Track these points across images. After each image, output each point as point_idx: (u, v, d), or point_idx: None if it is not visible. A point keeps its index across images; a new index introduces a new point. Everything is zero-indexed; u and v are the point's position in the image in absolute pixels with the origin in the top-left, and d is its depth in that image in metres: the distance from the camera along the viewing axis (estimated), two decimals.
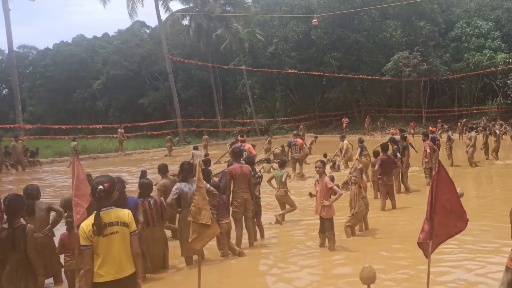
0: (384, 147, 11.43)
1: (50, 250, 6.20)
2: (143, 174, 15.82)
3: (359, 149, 14.97)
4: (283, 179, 9.51)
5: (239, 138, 19.06)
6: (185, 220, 6.48)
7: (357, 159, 14.65)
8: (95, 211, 3.90)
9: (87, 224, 3.87)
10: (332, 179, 12.75)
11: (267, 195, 11.48)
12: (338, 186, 8.77)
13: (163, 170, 8.82)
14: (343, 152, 17.58)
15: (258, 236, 8.54)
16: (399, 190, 12.39)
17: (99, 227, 3.80)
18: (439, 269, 6.44)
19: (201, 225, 5.85)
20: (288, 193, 9.70)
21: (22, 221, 5.44)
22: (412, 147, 14.87)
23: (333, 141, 27.62)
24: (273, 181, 9.68)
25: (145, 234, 6.54)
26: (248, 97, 45.63)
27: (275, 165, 15.22)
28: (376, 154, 12.02)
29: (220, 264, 7.23)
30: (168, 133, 32.13)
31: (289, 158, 16.87)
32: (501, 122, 30.73)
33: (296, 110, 45.58)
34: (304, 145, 17.79)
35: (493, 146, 18.61)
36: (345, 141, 17.87)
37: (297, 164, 16.41)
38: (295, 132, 24.37)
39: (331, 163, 17.31)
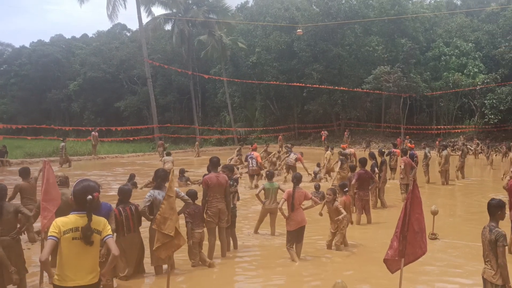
0: (362, 162, 11.42)
1: (17, 254, 5.99)
2: (132, 177, 15.64)
3: (339, 162, 15.04)
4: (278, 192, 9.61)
5: (251, 147, 19.94)
6: None
7: (338, 171, 14.51)
8: (76, 212, 3.95)
9: (64, 221, 3.88)
10: (318, 187, 12.94)
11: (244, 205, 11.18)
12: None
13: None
14: (325, 162, 18.02)
15: (232, 247, 8.46)
16: (376, 205, 12.52)
17: (87, 237, 3.85)
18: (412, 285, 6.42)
19: (164, 234, 5.78)
20: None
21: None
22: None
23: (312, 153, 27.59)
24: (261, 194, 9.45)
25: (125, 239, 6.62)
26: (228, 105, 45.27)
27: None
28: (353, 168, 12.06)
29: (189, 274, 7.14)
30: (160, 138, 31.97)
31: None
32: (477, 141, 31.04)
33: (276, 120, 45.46)
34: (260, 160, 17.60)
35: (457, 163, 19.12)
36: (328, 152, 18.41)
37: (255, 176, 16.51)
38: (289, 144, 23.95)
39: (313, 174, 17.41)
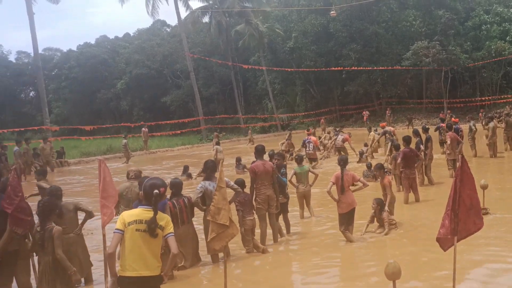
0: (407, 140, 11.31)
1: (83, 248, 6.37)
2: (186, 169, 16.38)
3: (389, 144, 15.19)
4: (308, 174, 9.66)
5: (306, 131, 19.82)
6: None
7: (388, 155, 14.67)
8: (143, 206, 4.12)
9: (130, 214, 4.12)
10: (369, 165, 13.03)
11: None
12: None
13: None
14: (370, 143, 18.20)
15: (285, 231, 8.58)
16: (423, 182, 12.27)
17: (152, 230, 3.99)
18: (464, 264, 6.32)
19: (219, 225, 5.89)
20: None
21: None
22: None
23: (355, 134, 27.69)
24: (294, 179, 9.51)
25: (180, 231, 6.64)
26: (269, 92, 45.85)
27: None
28: (397, 147, 11.97)
29: (245, 260, 7.30)
30: (215, 129, 32.36)
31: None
32: None
33: (316, 104, 45.58)
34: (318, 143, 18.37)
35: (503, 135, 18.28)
36: (372, 133, 18.70)
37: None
38: (338, 128, 24.38)
39: (359, 154, 17.69)
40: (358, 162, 17.13)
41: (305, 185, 9.53)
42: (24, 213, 5.53)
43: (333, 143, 18.97)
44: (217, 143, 20.07)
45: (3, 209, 5.49)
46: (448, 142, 13.19)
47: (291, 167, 10.22)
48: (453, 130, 14.00)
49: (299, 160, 9.87)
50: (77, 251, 6.16)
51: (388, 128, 18.04)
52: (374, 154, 18.25)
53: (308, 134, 18.13)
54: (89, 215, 6.37)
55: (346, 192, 7.71)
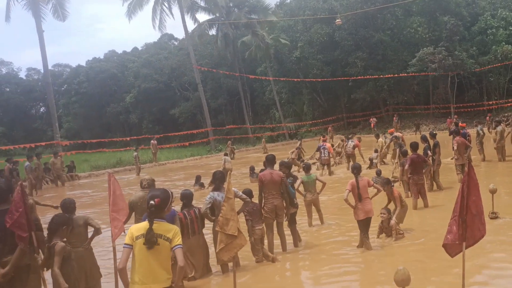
0: (414, 146, 11.26)
1: (91, 263, 6.31)
2: (198, 179, 16.49)
3: (398, 149, 15.19)
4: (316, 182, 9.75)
5: (321, 138, 20.39)
6: None
7: (396, 162, 14.52)
8: (148, 222, 4.05)
9: (138, 228, 4.11)
10: (379, 172, 13.01)
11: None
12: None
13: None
14: (379, 149, 18.40)
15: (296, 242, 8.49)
16: (432, 188, 12.25)
17: (149, 241, 3.96)
18: (473, 269, 6.27)
19: (228, 235, 5.92)
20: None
21: None
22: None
23: (363, 141, 27.72)
24: (301, 188, 9.54)
25: (191, 242, 6.75)
26: (276, 102, 46.08)
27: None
28: (405, 153, 11.96)
29: (255, 270, 7.28)
30: (223, 140, 32.61)
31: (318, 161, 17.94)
32: None
33: (324, 112, 45.76)
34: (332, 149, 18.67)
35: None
36: (380, 139, 18.98)
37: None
38: (350, 135, 24.84)
39: (369, 160, 17.83)
40: (368, 168, 17.18)
41: (313, 194, 9.60)
42: (21, 229, 5.56)
43: (343, 149, 19.18)
44: (226, 154, 20.15)
45: (5, 223, 5.44)
46: (455, 147, 13.06)
47: (301, 175, 10.24)
48: (460, 135, 13.87)
49: (307, 169, 9.94)
50: (85, 265, 6.17)
51: (396, 134, 18.10)
52: (383, 160, 18.41)
53: (323, 141, 18.63)
54: (97, 231, 6.32)
55: (364, 200, 7.68)
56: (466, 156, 13.06)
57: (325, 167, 17.25)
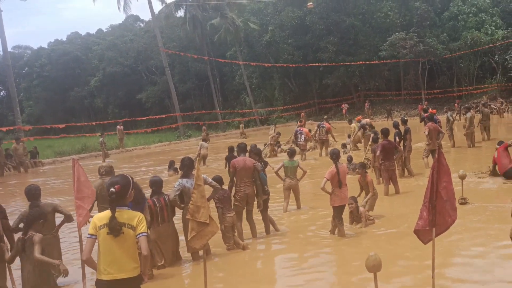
0: (385, 132, 11.27)
1: (58, 250, 6.36)
2: (172, 163, 16.04)
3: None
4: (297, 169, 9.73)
5: (299, 123, 20.58)
6: None
7: (368, 148, 14.55)
8: (110, 211, 3.96)
9: (100, 217, 3.99)
10: (350, 159, 13.01)
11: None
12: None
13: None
14: (352, 135, 18.56)
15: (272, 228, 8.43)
16: (403, 174, 12.32)
17: (113, 229, 3.88)
18: (445, 259, 6.29)
19: (199, 223, 5.82)
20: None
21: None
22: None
23: (335, 127, 27.76)
24: (281, 172, 9.66)
25: (160, 229, 6.74)
26: (246, 87, 45.58)
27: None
28: (375, 140, 12.03)
29: (226, 257, 7.26)
30: (204, 124, 32.56)
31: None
32: (501, 100, 30.61)
33: (295, 98, 45.55)
34: (309, 134, 18.79)
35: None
36: (353, 124, 19.37)
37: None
38: (325, 116, 26.57)
39: (342, 146, 17.92)
40: (343, 153, 17.07)
41: (292, 179, 9.64)
42: None
43: (316, 135, 19.05)
44: (204, 139, 20.16)
45: None
46: (426, 132, 13.23)
47: (281, 159, 10.15)
48: (433, 121, 13.99)
49: (291, 154, 10.01)
50: (53, 253, 6.10)
51: (364, 121, 18.07)
52: (357, 145, 18.38)
53: (300, 126, 18.75)
54: (68, 218, 6.33)
55: (343, 187, 7.63)
56: (439, 141, 13.22)
57: (302, 151, 17.23)
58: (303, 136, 17.27)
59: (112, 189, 3.93)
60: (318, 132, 18.39)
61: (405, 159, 12.54)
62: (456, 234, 7.10)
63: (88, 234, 3.97)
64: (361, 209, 8.17)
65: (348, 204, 7.98)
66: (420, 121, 18.14)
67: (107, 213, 3.96)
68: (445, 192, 4.66)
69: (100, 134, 26.08)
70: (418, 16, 36.53)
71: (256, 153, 8.76)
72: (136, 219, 3.99)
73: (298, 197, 9.88)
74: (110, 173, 7.34)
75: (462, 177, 8.94)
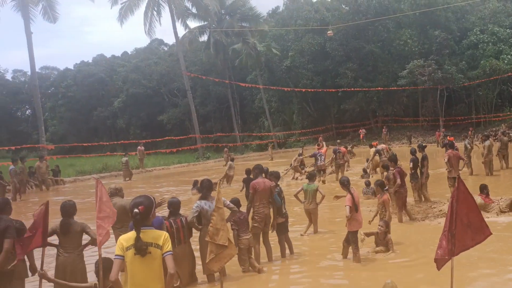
0: (393, 159, 11.38)
1: (81, 270, 6.31)
2: (195, 183, 16.19)
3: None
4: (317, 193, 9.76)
5: (317, 146, 21.39)
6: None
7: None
8: (135, 231, 3.98)
9: (126, 238, 4.00)
10: (368, 183, 13.05)
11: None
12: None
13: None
14: (370, 159, 18.68)
15: (288, 252, 8.43)
16: (420, 201, 12.27)
17: (140, 249, 3.90)
18: (460, 280, 6.15)
19: (218, 245, 5.86)
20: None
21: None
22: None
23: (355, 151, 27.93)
24: (301, 195, 9.73)
25: (177, 251, 6.52)
26: (265, 110, 45.98)
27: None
28: (386, 167, 11.93)
29: (241, 280, 7.22)
30: (226, 146, 33.16)
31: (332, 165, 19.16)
32: None
33: (313, 122, 45.72)
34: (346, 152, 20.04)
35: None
36: (372, 149, 19.28)
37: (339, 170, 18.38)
38: (338, 141, 28.43)
39: (363, 171, 18.37)
40: (361, 177, 17.52)
41: (310, 203, 9.62)
42: (27, 246, 5.71)
43: (333, 160, 19.35)
44: (232, 159, 20.49)
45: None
46: (446, 159, 13.08)
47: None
48: (453, 148, 13.92)
49: (310, 177, 10.12)
50: (75, 271, 6.12)
51: (380, 147, 18.19)
52: (377, 169, 18.36)
53: (319, 149, 19.23)
54: (93, 242, 6.24)
55: (359, 211, 7.71)
56: (461, 168, 13.23)
57: (322, 172, 17.63)
58: (323, 157, 17.82)
59: (136, 210, 3.94)
60: (336, 157, 18.60)
61: (422, 186, 12.42)
62: (474, 261, 7.08)
63: (116, 255, 3.94)
64: (388, 236, 8.09)
65: (378, 227, 8.05)
66: (442, 147, 18.14)
67: (132, 233, 3.98)
68: (467, 218, 4.63)
69: (124, 154, 26.56)
70: (437, 44, 36.77)
71: (276, 176, 8.68)
72: (162, 238, 4.02)
73: (316, 221, 9.89)
74: (116, 195, 7.35)
75: (480, 207, 8.70)
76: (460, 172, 13.03)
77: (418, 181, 12.10)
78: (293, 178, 19.76)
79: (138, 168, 30.05)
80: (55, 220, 6.48)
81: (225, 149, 30.73)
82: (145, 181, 24.54)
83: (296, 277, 7.43)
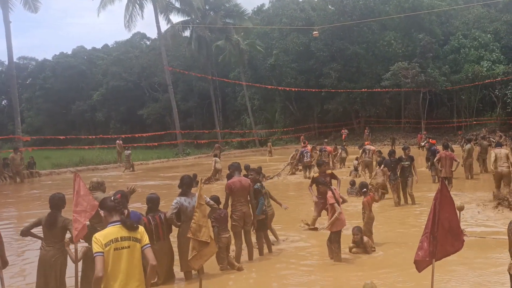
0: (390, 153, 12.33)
1: (62, 265, 6.14)
2: (194, 177, 16.00)
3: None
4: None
5: (302, 144, 21.99)
6: (185, 234, 6.44)
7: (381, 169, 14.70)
8: (113, 223, 4.06)
9: (104, 234, 3.99)
10: (352, 183, 13.10)
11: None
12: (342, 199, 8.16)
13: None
14: (360, 157, 18.93)
15: (266, 250, 8.35)
16: (400, 201, 12.31)
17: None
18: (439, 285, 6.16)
19: (200, 242, 5.82)
20: None
21: None
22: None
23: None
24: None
25: (155, 247, 6.44)
26: (248, 108, 45.71)
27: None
28: (380, 163, 12.62)
29: (219, 278, 7.16)
30: (217, 142, 32.53)
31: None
32: (500, 133, 30.70)
33: (296, 121, 45.67)
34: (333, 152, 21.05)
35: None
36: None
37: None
38: (326, 140, 29.97)
39: (353, 168, 18.80)
40: (349, 175, 17.97)
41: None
42: None
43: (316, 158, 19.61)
44: (215, 155, 20.94)
45: None
46: (436, 159, 13.66)
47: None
48: (430, 151, 15.12)
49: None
50: (56, 265, 5.98)
51: (368, 147, 18.16)
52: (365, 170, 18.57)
53: (304, 146, 20.10)
54: (72, 240, 6.11)
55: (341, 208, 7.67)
56: (454, 169, 13.69)
57: (307, 169, 18.59)
58: (308, 154, 18.79)
59: (115, 198, 4.13)
60: (322, 155, 18.96)
61: (408, 186, 12.46)
62: (449, 264, 6.95)
63: (96, 253, 3.91)
64: (365, 238, 7.99)
65: (353, 235, 7.88)
66: (418, 148, 18.30)
67: (110, 230, 4.00)
68: (448, 222, 4.64)
69: (127, 148, 27.77)
70: (421, 47, 37.04)
71: (257, 172, 8.74)
72: (140, 231, 4.10)
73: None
74: (98, 189, 7.11)
75: (460, 209, 8.74)
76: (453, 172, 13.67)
77: (397, 182, 12.24)
78: (291, 173, 20.44)
79: (116, 163, 29.58)
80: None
81: (216, 145, 30.82)
82: (124, 177, 24.04)
83: (275, 275, 7.36)
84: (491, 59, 35.38)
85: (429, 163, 19.30)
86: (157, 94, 55.27)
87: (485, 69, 34.54)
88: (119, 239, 3.97)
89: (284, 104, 46.60)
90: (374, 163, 16.86)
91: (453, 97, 37.80)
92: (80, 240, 5.98)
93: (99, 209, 4.29)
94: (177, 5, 41.67)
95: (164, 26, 41.49)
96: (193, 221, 5.84)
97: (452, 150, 15.87)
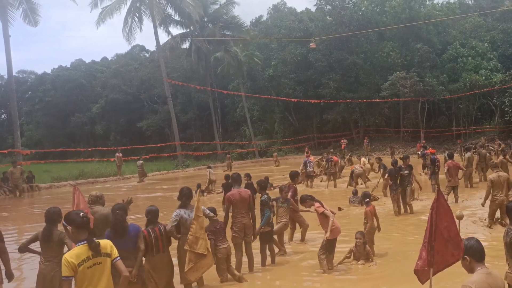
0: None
1: (61, 278, 6.10)
2: (198, 186, 16.10)
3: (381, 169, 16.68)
4: None
5: (306, 154, 22.87)
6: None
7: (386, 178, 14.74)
8: (81, 242, 4.01)
9: (74, 254, 3.94)
10: (355, 192, 13.20)
11: None
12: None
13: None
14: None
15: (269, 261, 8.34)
16: (400, 211, 12.40)
17: (96, 250, 3.99)
18: None
19: (197, 254, 5.82)
20: None
21: None
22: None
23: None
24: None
25: (155, 259, 6.52)
26: (247, 119, 45.76)
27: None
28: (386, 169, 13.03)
29: None
30: (227, 153, 33.91)
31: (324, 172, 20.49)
32: (499, 142, 30.70)
33: (295, 131, 45.70)
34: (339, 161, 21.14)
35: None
36: (363, 158, 21.09)
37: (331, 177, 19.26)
38: (332, 150, 30.60)
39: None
40: (348, 186, 18.08)
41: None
42: None
43: (323, 168, 20.65)
44: (209, 167, 21.57)
45: None
46: (445, 170, 13.56)
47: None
48: (430, 160, 14.87)
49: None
50: (55, 277, 5.89)
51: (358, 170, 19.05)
52: (367, 177, 19.13)
53: (307, 156, 20.66)
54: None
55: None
56: (460, 177, 13.89)
57: (310, 179, 19.03)
58: (311, 164, 19.23)
59: (82, 213, 4.11)
60: (328, 165, 19.34)
61: (407, 195, 12.64)
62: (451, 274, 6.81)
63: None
64: (367, 247, 7.98)
65: (356, 239, 7.88)
66: (418, 158, 18.43)
67: (80, 248, 3.97)
68: (447, 232, 4.62)
69: (139, 157, 28.14)
70: (419, 57, 37.18)
71: (262, 187, 8.57)
72: (109, 246, 4.14)
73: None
74: (97, 202, 7.13)
75: (459, 218, 8.74)
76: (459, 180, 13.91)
77: (397, 192, 12.34)
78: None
79: (116, 175, 29.54)
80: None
81: (227, 155, 31.61)
82: (124, 189, 23.99)
83: (277, 286, 7.31)
84: (488, 68, 35.56)
85: (424, 170, 19.83)
86: (156, 106, 55.34)
87: (483, 77, 34.69)
88: (91, 257, 3.98)
89: (283, 114, 46.68)
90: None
91: (451, 106, 37.86)
92: None
93: (64, 223, 4.18)
94: (176, 17, 41.76)
95: (163, 39, 42.03)
96: (190, 233, 5.88)
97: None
